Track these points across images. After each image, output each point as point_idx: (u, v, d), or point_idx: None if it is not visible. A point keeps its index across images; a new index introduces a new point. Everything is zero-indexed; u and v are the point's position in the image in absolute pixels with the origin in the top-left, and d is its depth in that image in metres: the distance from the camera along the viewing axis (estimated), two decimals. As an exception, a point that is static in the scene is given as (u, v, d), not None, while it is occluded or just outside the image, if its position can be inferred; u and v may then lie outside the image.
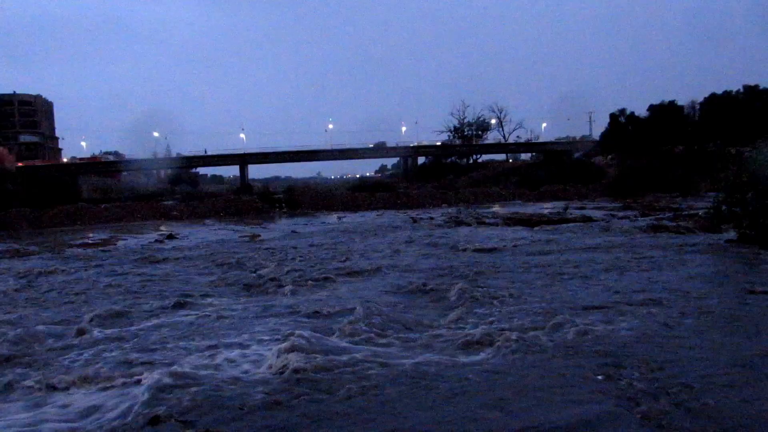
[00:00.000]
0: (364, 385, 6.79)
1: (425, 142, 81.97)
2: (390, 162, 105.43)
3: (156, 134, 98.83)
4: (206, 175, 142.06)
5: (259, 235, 27.95)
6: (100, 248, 25.06)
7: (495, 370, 7.13)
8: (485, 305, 10.63)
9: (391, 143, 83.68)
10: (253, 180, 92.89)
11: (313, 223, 35.57)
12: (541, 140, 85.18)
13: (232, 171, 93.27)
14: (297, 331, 8.83)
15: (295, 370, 7.24)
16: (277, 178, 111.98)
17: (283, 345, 7.97)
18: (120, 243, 27.34)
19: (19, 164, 77.81)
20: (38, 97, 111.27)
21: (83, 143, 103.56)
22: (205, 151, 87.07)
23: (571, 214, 32.36)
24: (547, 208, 39.42)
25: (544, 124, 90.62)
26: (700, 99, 72.34)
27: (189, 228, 34.81)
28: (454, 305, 10.85)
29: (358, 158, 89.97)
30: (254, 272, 15.88)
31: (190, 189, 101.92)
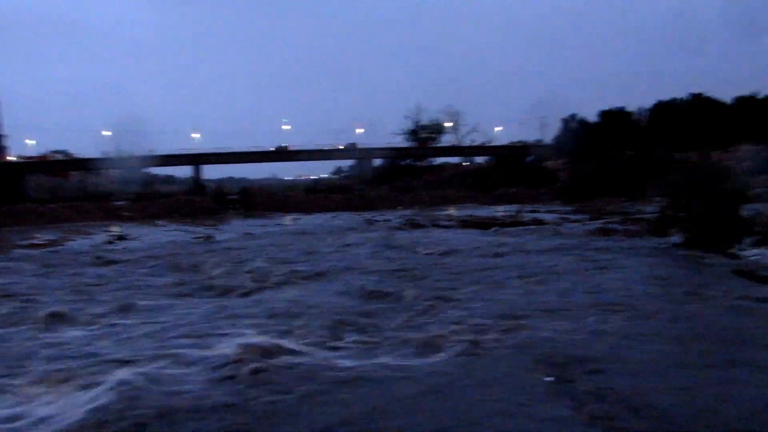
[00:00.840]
0: (312, 387, 6.81)
1: (381, 145, 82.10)
2: (345, 164, 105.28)
3: (107, 133, 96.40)
4: (158, 175, 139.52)
5: (213, 237, 27.66)
6: (48, 249, 24.44)
7: (444, 372, 7.23)
8: (439, 308, 10.74)
9: (344, 145, 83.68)
10: (208, 180, 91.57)
11: (268, 225, 35.35)
12: (495, 144, 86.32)
13: (185, 171, 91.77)
14: (253, 334, 8.86)
15: (251, 372, 7.24)
16: (231, 179, 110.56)
17: (239, 347, 7.95)
18: (68, 243, 26.72)
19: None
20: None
21: (29, 141, 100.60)
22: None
23: (524, 217, 32.92)
24: (500, 211, 40.01)
25: (498, 128, 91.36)
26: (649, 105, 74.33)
27: (140, 229, 34.23)
28: (408, 307, 10.93)
29: (312, 160, 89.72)
30: (208, 274, 15.72)
31: (142, 189, 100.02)
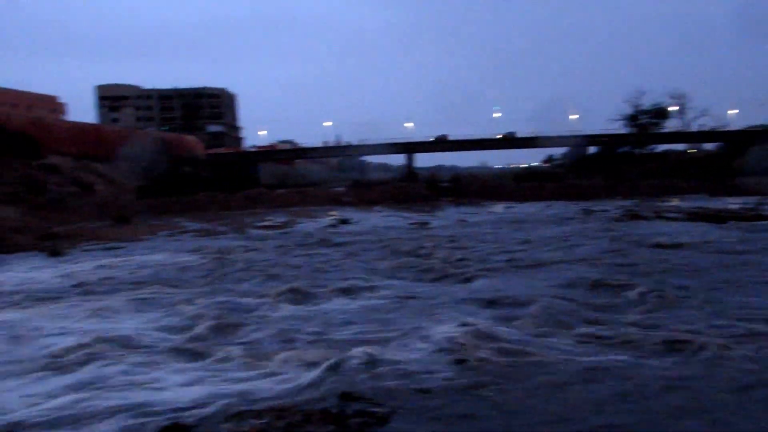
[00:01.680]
0: (544, 379, 6.64)
1: (596, 132, 78.23)
2: (557, 152, 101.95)
3: (328, 124, 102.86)
4: (371, 163, 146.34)
5: (428, 223, 28.28)
6: (281, 230, 26.68)
7: (678, 376, 6.64)
8: (672, 307, 9.93)
9: (557, 132, 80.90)
10: (418, 168, 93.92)
11: (480, 213, 35.37)
12: (729, 129, 78.12)
13: (398, 159, 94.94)
14: (476, 320, 8.87)
15: (477, 359, 7.24)
16: (441, 167, 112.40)
17: (463, 333, 8.01)
18: (297, 226, 28.91)
19: (207, 152, 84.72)
20: (223, 90, 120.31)
21: (261, 132, 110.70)
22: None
23: (766, 210, 29.47)
24: (735, 203, 36.19)
25: (732, 111, 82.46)
26: None
27: (360, 214, 36.01)
28: (636, 303, 10.27)
29: (526, 147, 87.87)
30: (428, 258, 16.08)
31: (358, 176, 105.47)
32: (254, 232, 26.49)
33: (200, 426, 5.60)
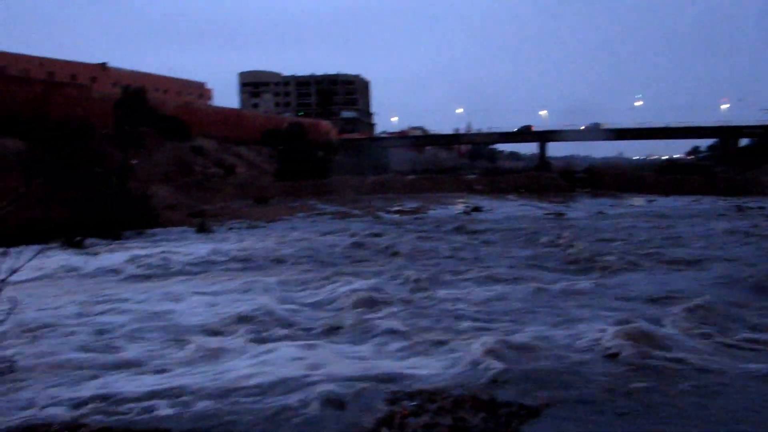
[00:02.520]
0: (702, 383, 6.19)
1: (751, 123, 72.48)
2: (704, 143, 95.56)
3: (459, 110, 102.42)
4: (503, 151, 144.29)
5: (564, 214, 27.43)
6: (413, 215, 26.85)
7: None
8: None
9: (706, 122, 75.61)
10: (551, 158, 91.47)
11: (619, 205, 33.86)
12: None
13: (528, 148, 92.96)
14: (628, 316, 8.46)
15: (631, 357, 6.88)
16: (574, 157, 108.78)
17: (616, 329, 7.63)
18: (430, 212, 28.98)
19: (341, 137, 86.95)
20: (357, 77, 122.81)
21: (394, 118, 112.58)
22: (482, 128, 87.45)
23: None
24: None
25: None
26: None
27: (492, 202, 35.58)
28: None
29: (666, 138, 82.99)
30: (565, 250, 15.57)
31: (489, 165, 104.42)
32: (387, 216, 26.87)
33: (356, 402, 5.69)
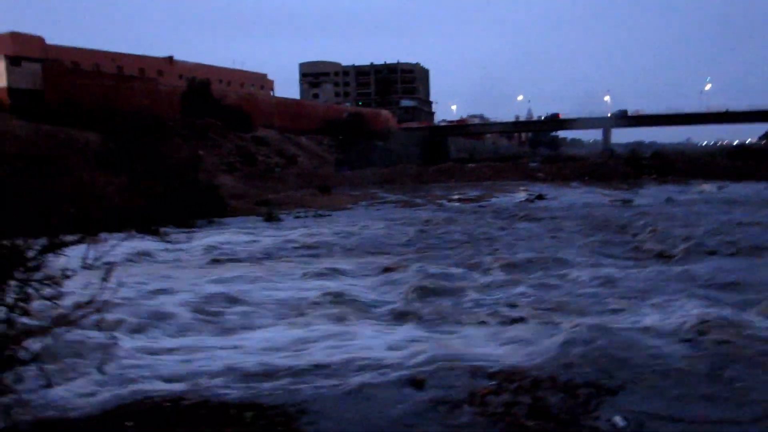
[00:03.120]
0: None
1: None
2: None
3: (520, 98, 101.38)
4: (565, 138, 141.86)
5: (632, 201, 26.88)
6: (476, 203, 26.81)
7: None
8: None
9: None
10: (615, 144, 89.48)
11: (688, 191, 32.92)
12: None
13: (591, 135, 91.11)
14: (707, 302, 8.33)
15: (712, 342, 6.81)
16: (639, 143, 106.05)
17: (696, 313, 7.56)
18: (493, 200, 28.86)
19: (400, 126, 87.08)
20: (417, 65, 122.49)
21: (453, 107, 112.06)
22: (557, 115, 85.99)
23: None
24: None
25: None
26: None
27: (555, 190, 35.13)
28: None
29: (738, 123, 79.93)
30: (636, 237, 15.34)
31: (550, 152, 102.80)
32: (450, 204, 26.91)
33: (434, 381, 5.83)
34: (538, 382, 5.81)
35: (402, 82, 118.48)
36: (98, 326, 4.25)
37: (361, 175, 45.08)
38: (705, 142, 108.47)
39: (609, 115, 78.85)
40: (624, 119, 78.80)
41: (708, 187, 35.55)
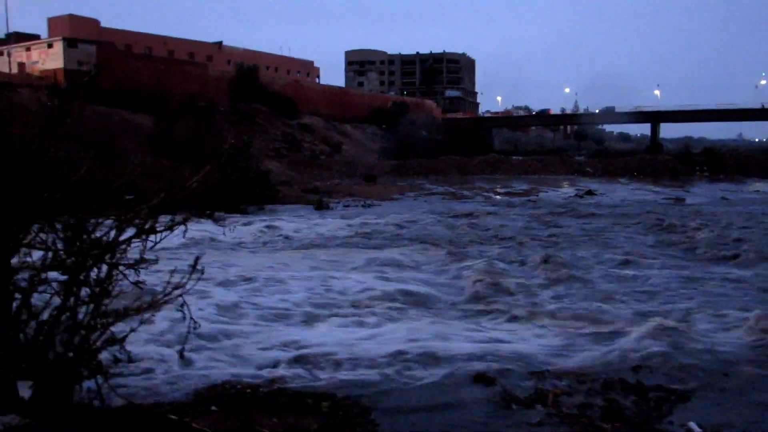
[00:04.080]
0: None
1: None
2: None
3: (567, 90, 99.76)
4: (612, 132, 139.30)
5: (684, 199, 26.37)
6: (525, 197, 26.60)
7: None
8: None
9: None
10: (662, 140, 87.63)
11: (743, 190, 32.11)
12: None
13: (639, 129, 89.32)
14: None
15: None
16: (689, 139, 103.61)
17: (753, 317, 7.44)
18: (541, 194, 28.59)
19: (444, 116, 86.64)
20: (463, 55, 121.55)
21: (498, 98, 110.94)
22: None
23: None
24: None
25: None
26: None
27: (604, 185, 34.63)
28: None
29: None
30: (692, 237, 15.05)
31: (595, 146, 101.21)
32: (498, 198, 26.74)
33: (503, 378, 5.85)
34: (609, 384, 5.78)
35: (447, 72, 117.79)
36: (181, 311, 4.33)
37: (405, 164, 45.01)
38: (758, 139, 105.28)
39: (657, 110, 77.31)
40: (673, 114, 77.11)
41: (763, 186, 34.61)
